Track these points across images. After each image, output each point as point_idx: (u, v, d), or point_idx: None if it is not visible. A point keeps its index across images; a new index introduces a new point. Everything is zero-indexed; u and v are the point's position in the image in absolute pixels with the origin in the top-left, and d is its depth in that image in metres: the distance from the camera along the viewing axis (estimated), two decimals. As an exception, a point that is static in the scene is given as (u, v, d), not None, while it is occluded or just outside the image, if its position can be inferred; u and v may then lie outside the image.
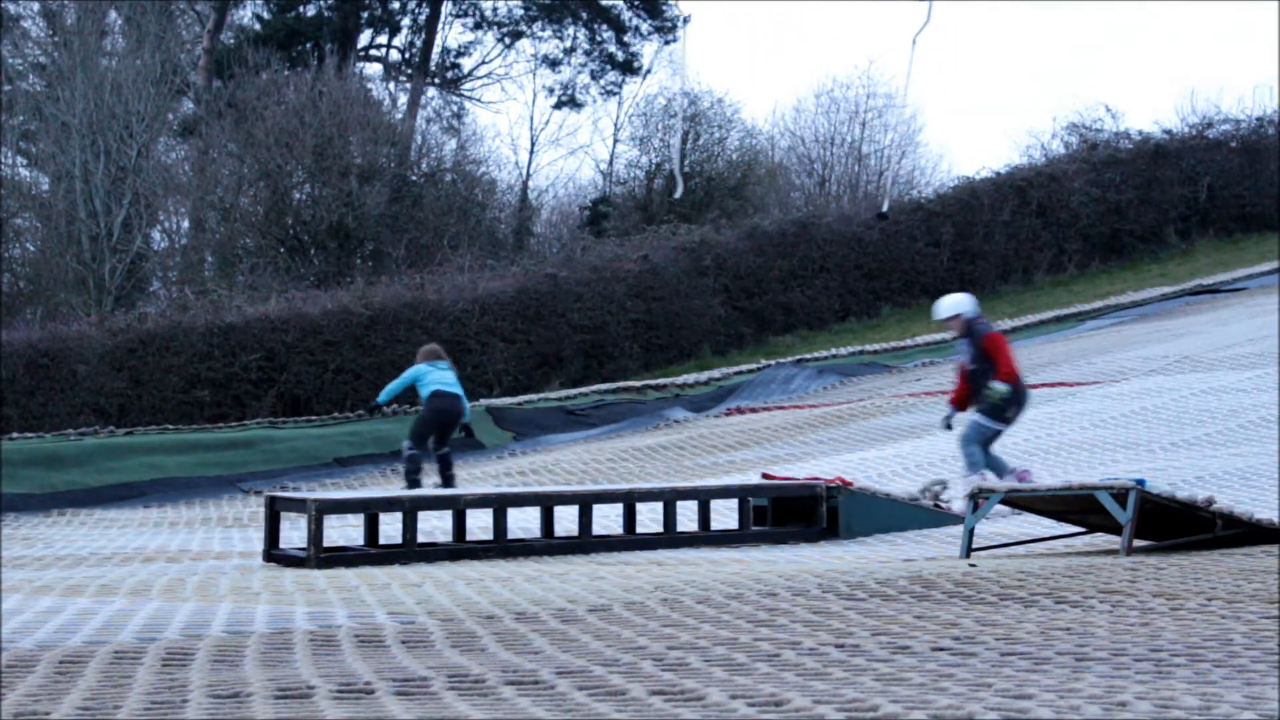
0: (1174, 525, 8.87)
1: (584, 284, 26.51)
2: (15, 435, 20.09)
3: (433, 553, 10.13)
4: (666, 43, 40.29)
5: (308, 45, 37.09)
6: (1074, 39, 66.16)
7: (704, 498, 11.23)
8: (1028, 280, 30.72)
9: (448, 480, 15.49)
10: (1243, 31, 66.56)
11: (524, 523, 11.67)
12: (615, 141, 39.33)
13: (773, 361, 24.85)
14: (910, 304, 29.34)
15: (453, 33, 42.53)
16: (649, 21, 39.74)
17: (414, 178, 33.14)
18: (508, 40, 40.66)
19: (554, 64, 40.22)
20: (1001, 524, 10.84)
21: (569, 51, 40.20)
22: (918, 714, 3.98)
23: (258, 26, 38.26)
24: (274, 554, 10.13)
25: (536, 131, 41.97)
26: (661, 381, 23.85)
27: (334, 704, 4.50)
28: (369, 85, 37.58)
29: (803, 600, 6.65)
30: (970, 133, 62.17)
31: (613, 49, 40.01)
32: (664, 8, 39.54)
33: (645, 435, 20.78)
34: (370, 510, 10.68)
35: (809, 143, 39.04)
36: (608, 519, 11.38)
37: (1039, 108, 67.64)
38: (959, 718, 3.94)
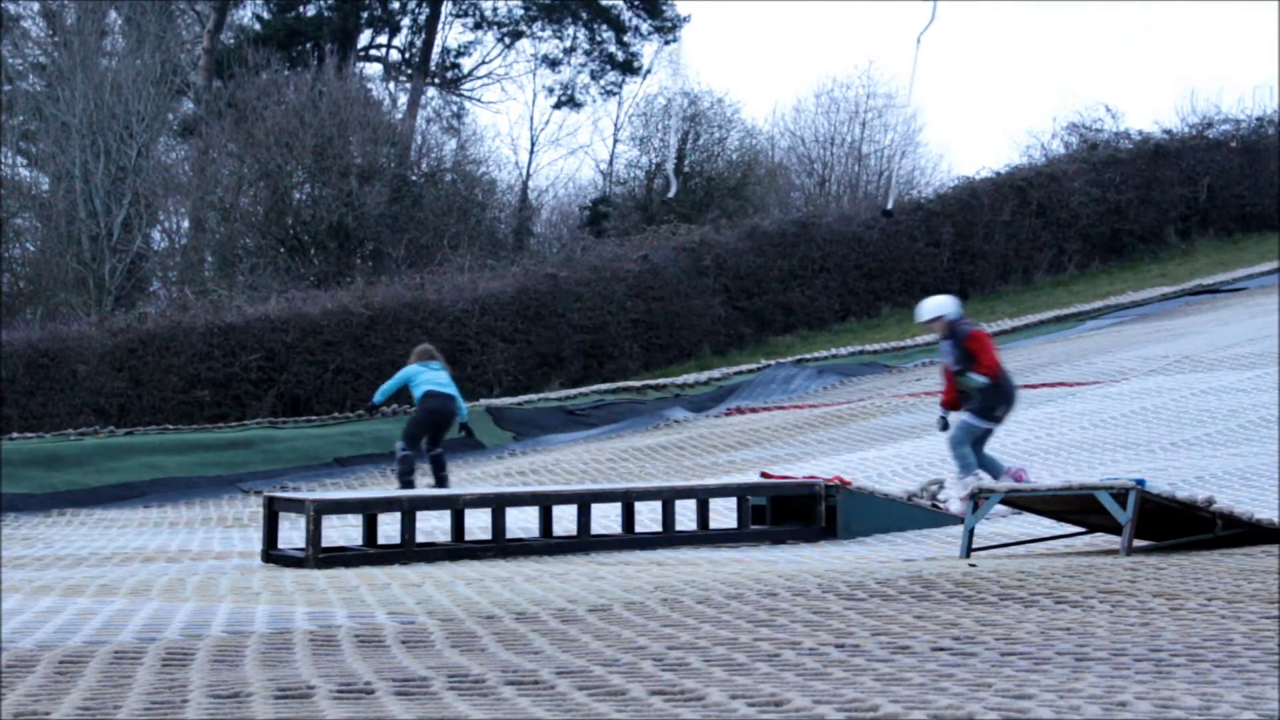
0: (1174, 525, 8.86)
1: (584, 284, 26.51)
2: (15, 435, 20.09)
3: (431, 553, 10.13)
4: (666, 43, 40.33)
5: (308, 45, 37.10)
6: (1074, 39, 66.18)
7: (702, 497, 11.23)
8: (1028, 280, 30.72)
9: (441, 481, 15.48)
10: (1243, 31, 66.58)
11: (524, 522, 11.67)
12: (615, 141, 39.37)
13: (773, 361, 24.85)
14: (910, 304, 29.27)
15: (453, 33, 42.56)
16: (649, 21, 39.75)
17: (414, 178, 33.14)
18: (508, 40, 40.68)
19: (554, 64, 40.24)
20: (1001, 524, 10.84)
21: (569, 51, 40.23)
22: (918, 714, 3.98)
23: (258, 26, 38.26)
24: (272, 554, 10.13)
25: (536, 131, 42.01)
26: (661, 381, 23.85)
27: (334, 704, 4.50)
28: (369, 85, 37.60)
29: (803, 600, 6.65)
30: (970, 133, 62.21)
31: (613, 49, 40.02)
32: (664, 8, 39.57)
33: (645, 435, 20.78)
34: (369, 510, 10.67)
35: (809, 143, 39.05)
36: (608, 519, 11.38)
37: (1039, 108, 67.67)
38: (959, 718, 3.94)
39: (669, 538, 10.73)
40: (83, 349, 22.69)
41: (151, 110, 31.65)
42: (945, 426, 12.38)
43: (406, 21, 40.43)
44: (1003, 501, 9.39)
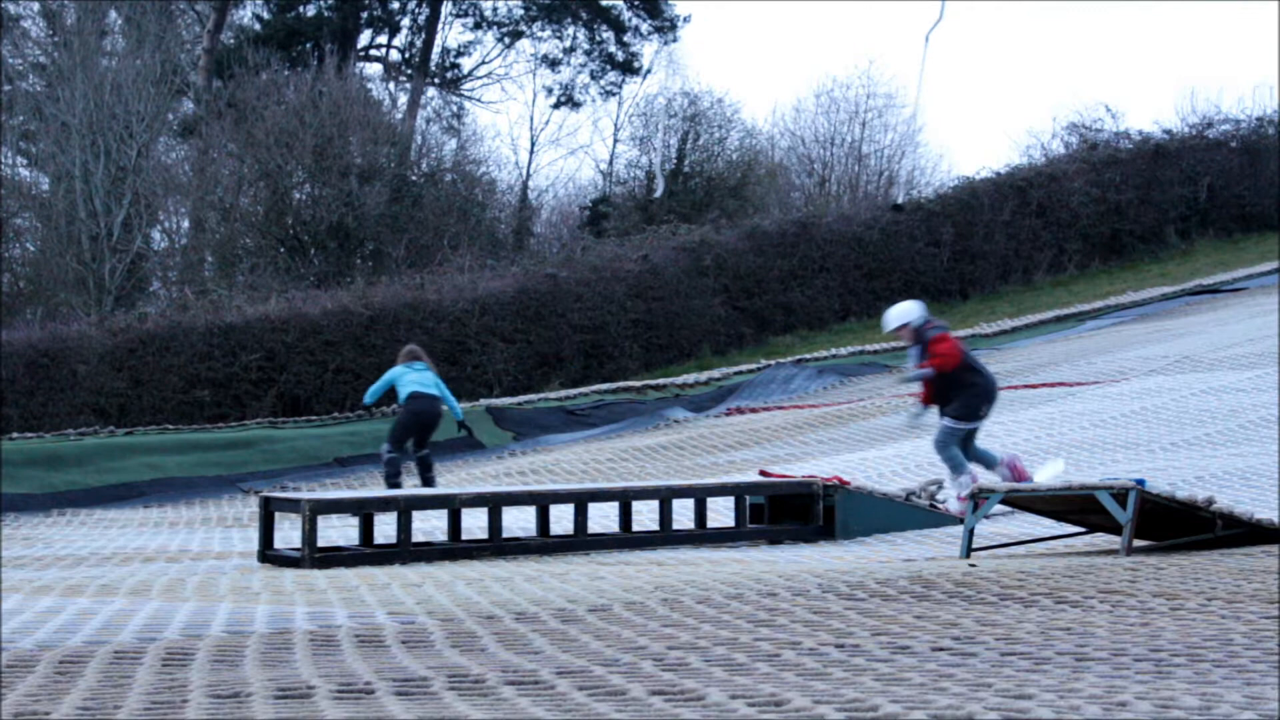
0: (1174, 525, 8.87)
1: (584, 284, 26.50)
2: (15, 435, 20.10)
3: (427, 552, 10.12)
4: (666, 43, 40.33)
5: (308, 45, 37.09)
6: (1074, 39, 66.18)
7: (700, 496, 11.22)
8: (1028, 280, 30.72)
9: (428, 482, 15.45)
10: (1243, 31, 66.58)
11: (523, 522, 11.67)
12: (615, 141, 39.36)
13: (773, 361, 24.84)
14: (910, 304, 29.29)
15: (453, 33, 42.57)
16: (649, 21, 39.75)
17: (414, 178, 33.14)
18: (507, 40, 40.68)
19: (554, 64, 40.24)
20: (1001, 524, 10.84)
21: (569, 51, 40.23)
22: (918, 714, 3.98)
23: (258, 26, 38.26)
24: (269, 554, 10.12)
25: (536, 131, 41.99)
26: (661, 381, 23.85)
27: (334, 704, 4.50)
28: (369, 85, 37.60)
29: (803, 600, 6.65)
30: (970, 133, 62.20)
31: (613, 49, 40.02)
32: (664, 8, 39.57)
33: (645, 435, 20.78)
34: (365, 510, 10.66)
35: (809, 143, 39.03)
36: (608, 518, 11.38)
37: (1039, 108, 67.68)
38: (959, 718, 3.94)
39: (666, 537, 10.73)
40: (83, 349, 22.69)
41: (151, 110, 31.65)
42: (917, 421, 12.34)
43: (406, 21, 40.45)
44: (1003, 501, 9.39)
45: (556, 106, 40.28)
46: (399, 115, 37.33)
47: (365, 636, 6.01)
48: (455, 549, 10.21)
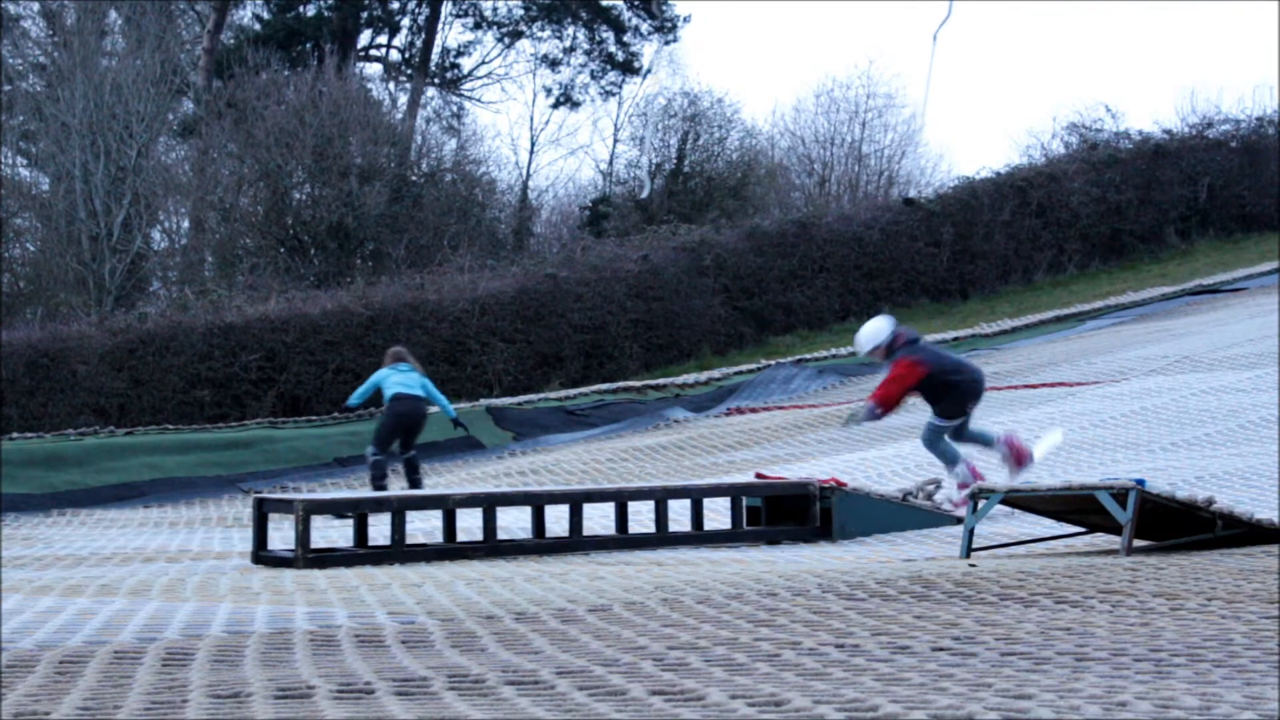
0: (1174, 525, 8.86)
1: (584, 284, 26.50)
2: (15, 435, 20.10)
3: (422, 553, 10.11)
4: (666, 43, 40.33)
5: (308, 45, 37.09)
6: (1074, 39, 66.19)
7: (696, 497, 11.20)
8: (1028, 280, 30.72)
9: (415, 484, 15.43)
10: (1243, 32, 66.59)
11: (522, 523, 11.67)
12: (615, 141, 39.37)
13: (773, 361, 24.84)
14: (910, 304, 29.33)
15: (452, 33, 42.55)
16: (649, 21, 39.75)
17: (414, 178, 33.14)
18: (507, 40, 40.68)
19: (554, 64, 40.24)
20: (1001, 524, 10.83)
21: (569, 51, 40.22)
22: (918, 714, 3.98)
23: (258, 26, 38.26)
24: (262, 555, 10.11)
25: (536, 131, 41.96)
26: (661, 381, 23.85)
27: (334, 704, 4.50)
28: (369, 85, 37.61)
29: (803, 600, 6.65)
30: (970, 133, 62.20)
31: (613, 49, 40.02)
32: (664, 8, 39.58)
33: (645, 435, 20.77)
34: (359, 510, 10.65)
35: (809, 143, 39.03)
36: (607, 519, 11.38)
37: (1039, 108, 67.68)
38: (959, 718, 3.94)
39: (662, 538, 10.71)
40: (83, 349, 22.70)
41: (151, 110, 31.65)
42: (852, 422, 12.14)
43: (406, 21, 40.45)
44: (1003, 501, 9.38)
45: (556, 106, 40.30)
46: (399, 115, 37.33)
47: (365, 636, 6.01)
48: (449, 550, 10.20)
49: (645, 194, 24.75)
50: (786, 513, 11.19)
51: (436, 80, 40.65)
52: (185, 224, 34.21)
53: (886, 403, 11.60)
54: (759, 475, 12.63)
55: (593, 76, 40.16)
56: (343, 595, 7.64)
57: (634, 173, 37.06)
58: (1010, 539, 9.94)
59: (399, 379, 15.39)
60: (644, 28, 39.90)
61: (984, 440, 11.80)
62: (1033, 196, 31.05)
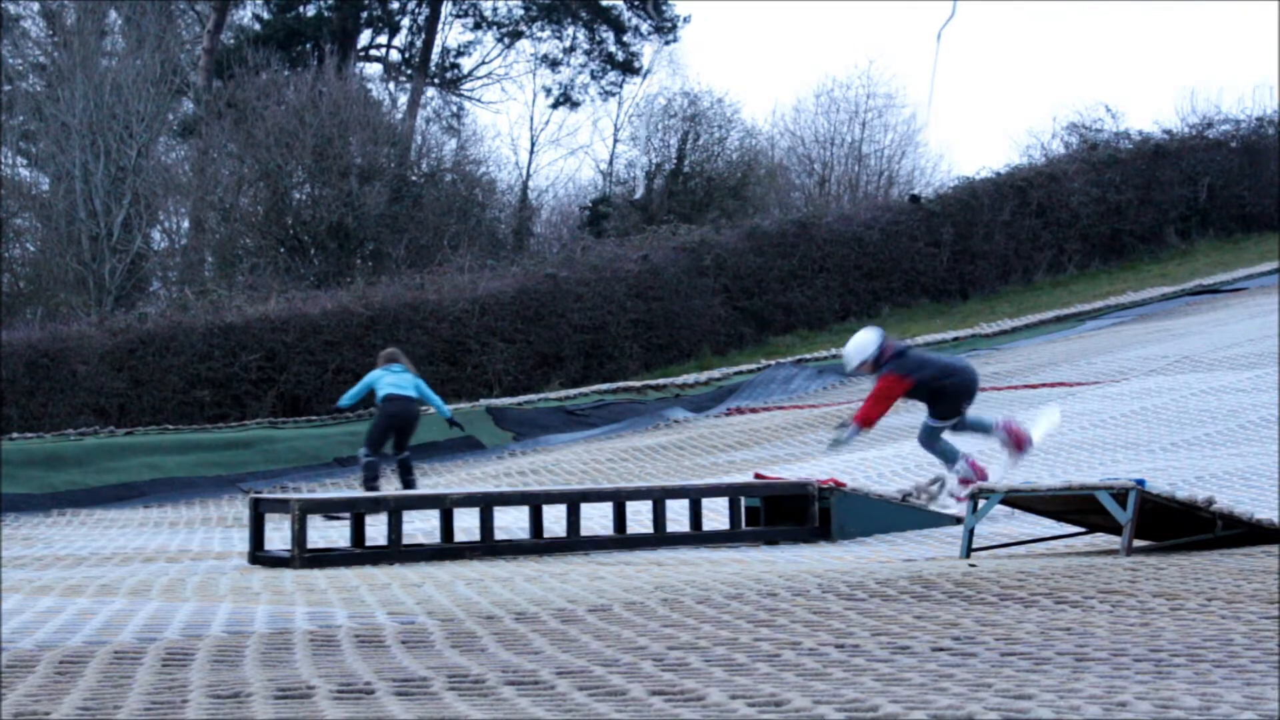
0: (1174, 525, 8.86)
1: (584, 284, 26.50)
2: (15, 435, 20.10)
3: (419, 553, 10.11)
4: (666, 43, 40.32)
5: (308, 45, 37.10)
6: (1074, 39, 66.20)
7: (694, 497, 11.20)
8: (1028, 280, 30.71)
9: (408, 485, 15.41)
10: (1243, 32, 66.60)
11: (521, 523, 11.67)
12: (615, 141, 39.36)
13: (773, 361, 24.84)
14: (910, 304, 29.34)
15: (452, 33, 42.57)
16: (649, 21, 39.75)
17: (414, 178, 33.14)
18: (507, 40, 40.68)
19: (554, 64, 40.25)
20: (1001, 524, 10.84)
21: (569, 51, 40.23)
22: (918, 714, 3.98)
23: (258, 26, 38.26)
24: (258, 555, 10.10)
25: (536, 131, 41.99)
26: (661, 381, 23.84)
27: (334, 704, 4.50)
28: (369, 85, 37.61)
29: (803, 600, 6.65)
30: (970, 133, 62.21)
31: (613, 49, 40.03)
32: (663, 8, 39.57)
33: (645, 435, 20.77)
34: (355, 510, 10.65)
35: (809, 143, 39.04)
36: (607, 519, 11.38)
37: (1039, 108, 67.69)
38: (959, 718, 3.94)
39: (660, 538, 10.71)
40: (83, 349, 22.70)
41: (151, 110, 31.65)
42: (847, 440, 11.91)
43: (406, 21, 40.45)
44: (1003, 501, 9.38)
45: (555, 106, 40.30)
46: (399, 115, 37.33)
47: (365, 636, 6.01)
48: (446, 550, 10.19)
49: (639, 195, 24.81)
50: (785, 513, 11.19)
51: (436, 80, 40.65)
52: (185, 224, 34.22)
53: (870, 422, 11.58)
54: (758, 475, 12.63)
55: (593, 76, 40.19)
56: (342, 595, 7.64)
57: (633, 172, 37.09)
58: (1010, 539, 9.94)
59: (392, 380, 15.39)
60: (644, 28, 39.91)
61: (982, 428, 11.78)
62: (1033, 196, 31.05)
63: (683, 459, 17.85)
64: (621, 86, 40.01)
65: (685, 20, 40.45)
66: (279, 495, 12.33)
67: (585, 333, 26.36)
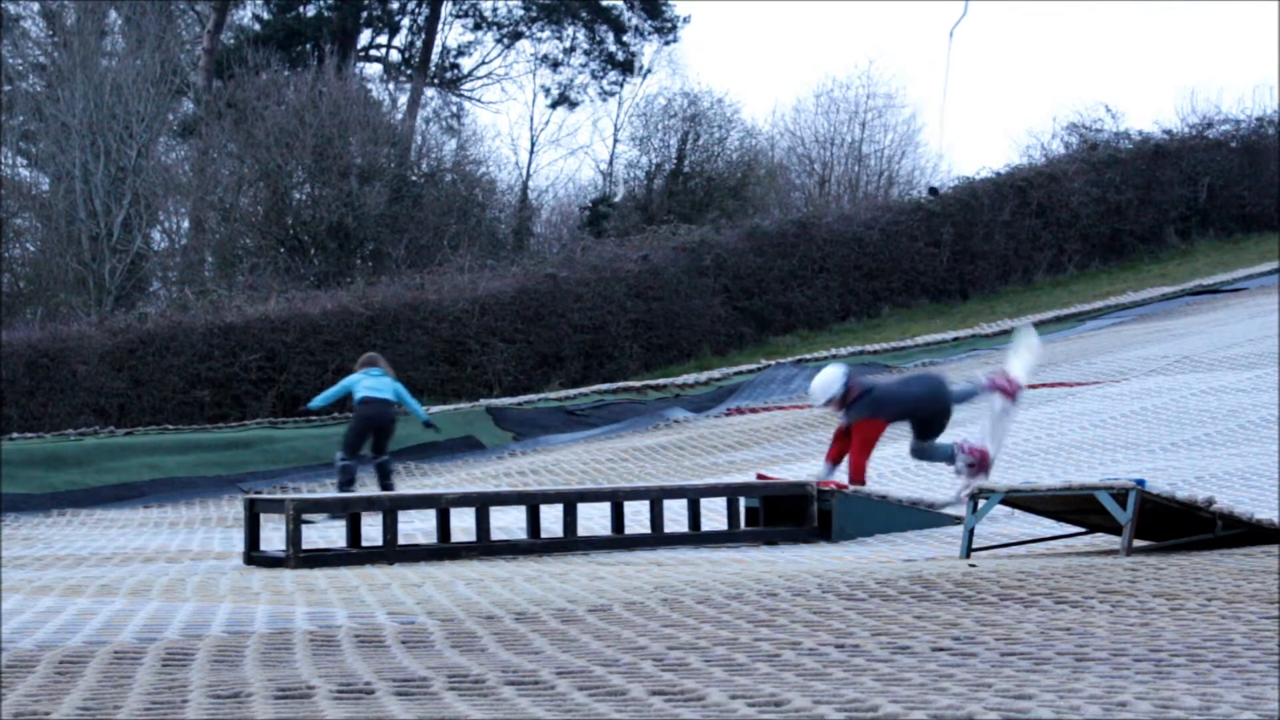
0: (1174, 525, 8.87)
1: (584, 284, 26.50)
2: (15, 435, 20.09)
3: (415, 553, 10.10)
4: (666, 43, 40.32)
5: (308, 45, 37.09)
6: (1074, 39, 66.19)
7: (693, 497, 11.19)
8: (1028, 280, 30.71)
9: (387, 489, 15.40)
10: (1243, 32, 66.59)
11: (520, 523, 11.66)
12: (615, 141, 39.36)
13: (773, 361, 24.83)
14: (910, 304, 29.34)
15: (452, 33, 42.56)
16: (649, 21, 39.75)
17: (414, 178, 33.14)
18: (507, 40, 40.67)
19: (554, 64, 40.24)
20: (1001, 524, 10.84)
21: (569, 51, 40.22)
22: (918, 714, 3.98)
23: (257, 26, 38.25)
24: (254, 556, 10.10)
25: (536, 131, 41.97)
26: (661, 381, 23.84)
27: (334, 704, 4.50)
28: (369, 85, 37.60)
29: (803, 600, 6.65)
30: (970, 133, 62.20)
31: (612, 49, 40.02)
32: (664, 8, 39.57)
33: (645, 435, 20.77)
34: (350, 510, 10.64)
35: (809, 143, 39.04)
36: (606, 519, 11.38)
37: (1039, 108, 67.69)
38: (959, 718, 3.94)
39: (658, 538, 10.70)
40: (83, 349, 22.69)
41: (151, 110, 31.64)
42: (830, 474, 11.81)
43: (406, 21, 40.44)
44: (1003, 501, 9.39)
45: (553, 106, 40.29)
46: (399, 115, 37.33)
47: (365, 636, 6.01)
48: (442, 550, 10.18)
49: (618, 197, 24.88)
50: (784, 513, 11.18)
51: (436, 80, 40.64)
52: (185, 224, 34.21)
53: (862, 471, 11.63)
54: (760, 476, 12.62)
55: (593, 76, 40.18)
56: (342, 595, 7.64)
57: (633, 173, 37.09)
58: (1010, 539, 9.94)
59: (369, 383, 15.40)
60: (644, 28, 39.90)
61: (944, 456, 11.82)
62: (1033, 196, 31.05)
63: (683, 459, 17.85)
64: (621, 86, 40.04)
65: (685, 20, 40.45)
66: (275, 495, 12.32)
67: (585, 333, 26.36)
